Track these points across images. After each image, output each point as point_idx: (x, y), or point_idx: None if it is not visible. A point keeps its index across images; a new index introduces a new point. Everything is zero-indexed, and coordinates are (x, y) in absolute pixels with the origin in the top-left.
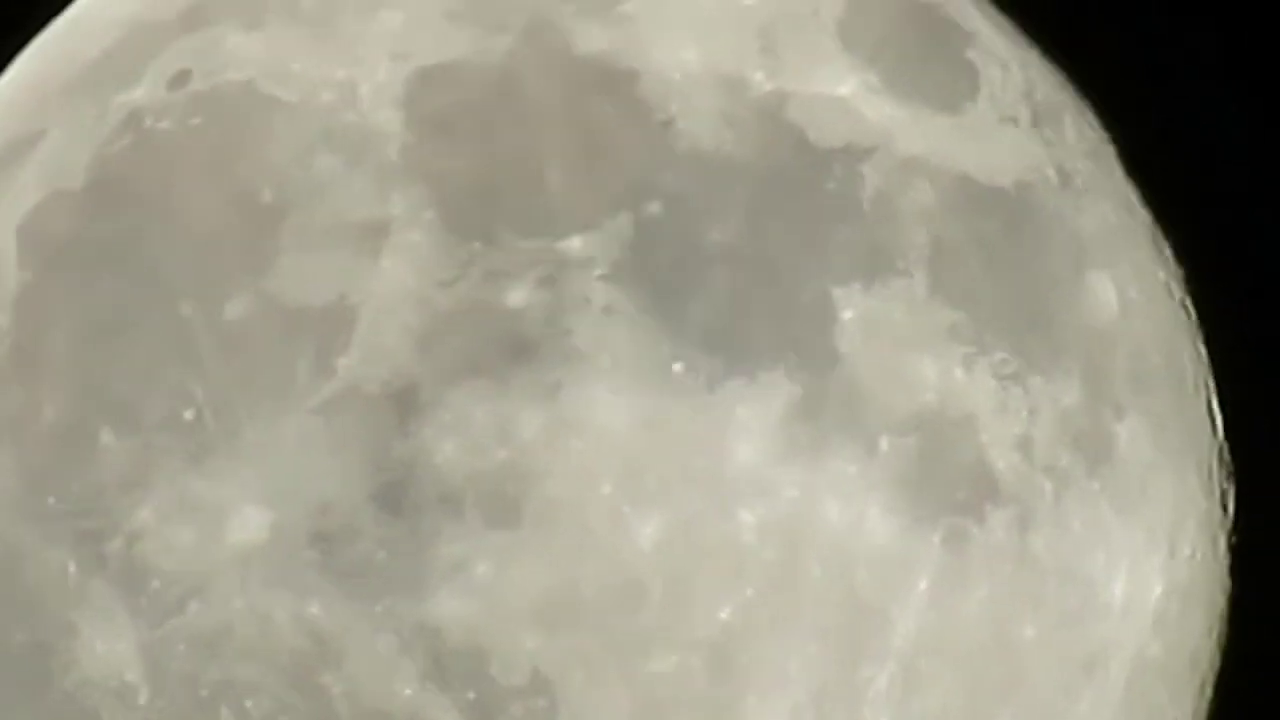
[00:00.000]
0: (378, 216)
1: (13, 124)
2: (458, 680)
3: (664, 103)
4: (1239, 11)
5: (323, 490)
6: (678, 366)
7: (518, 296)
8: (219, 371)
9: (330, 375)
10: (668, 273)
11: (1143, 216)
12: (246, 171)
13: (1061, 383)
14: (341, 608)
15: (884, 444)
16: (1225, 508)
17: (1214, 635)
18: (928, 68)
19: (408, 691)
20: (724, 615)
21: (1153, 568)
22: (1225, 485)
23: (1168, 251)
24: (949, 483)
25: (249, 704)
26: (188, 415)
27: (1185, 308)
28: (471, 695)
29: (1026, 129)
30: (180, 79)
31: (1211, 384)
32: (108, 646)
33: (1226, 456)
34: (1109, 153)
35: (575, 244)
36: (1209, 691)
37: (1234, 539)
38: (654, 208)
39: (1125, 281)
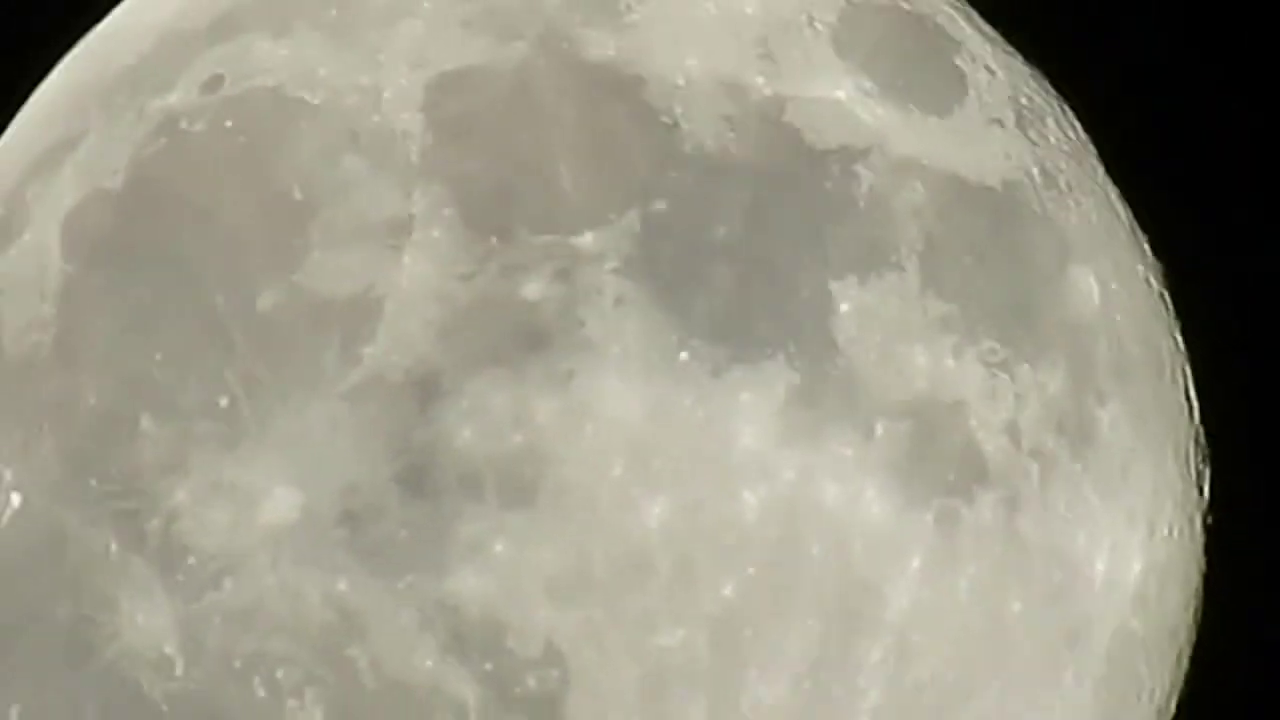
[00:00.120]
0: (400, 214)
1: (55, 127)
2: (476, 652)
3: (669, 106)
4: (1216, 19)
5: (349, 473)
6: (684, 355)
7: (533, 289)
8: (252, 360)
9: (356, 364)
10: (674, 267)
11: (1122, 214)
12: (276, 171)
13: (1047, 371)
14: (367, 584)
15: (879, 429)
16: (1201, 489)
17: (1190, 610)
18: (919, 73)
19: (429, 663)
20: (727, 591)
21: (1133, 546)
22: (1201, 468)
23: (1146, 247)
24: (940, 466)
25: (280, 674)
26: (222, 402)
27: (1163, 300)
28: (489, 667)
29: (1012, 131)
30: (213, 84)
31: (1188, 372)
32: (147, 620)
33: (1202, 441)
34: (1090, 153)
35: (587, 239)
36: (1186, 663)
37: (1209, 519)
38: (661, 205)
39: (1106, 275)
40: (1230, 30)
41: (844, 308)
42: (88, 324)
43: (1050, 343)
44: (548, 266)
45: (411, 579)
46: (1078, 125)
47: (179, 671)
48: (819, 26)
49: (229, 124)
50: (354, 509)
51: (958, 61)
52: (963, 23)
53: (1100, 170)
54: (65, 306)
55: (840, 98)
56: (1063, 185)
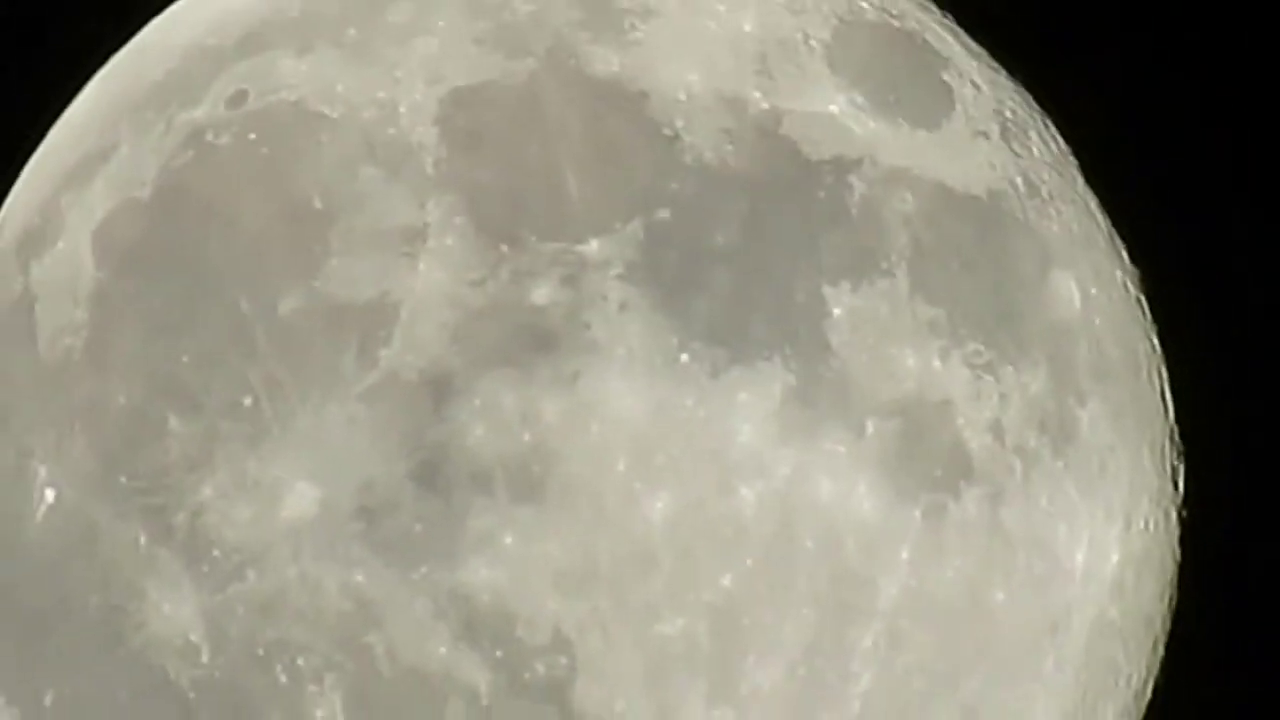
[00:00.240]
0: (415, 222)
1: (87, 140)
2: (487, 640)
3: (671, 120)
4: (1191, 39)
5: (366, 469)
6: (685, 357)
7: (541, 294)
8: (274, 362)
9: (373, 365)
10: (676, 272)
11: (1102, 222)
12: (297, 182)
13: (1029, 372)
14: (383, 575)
15: (870, 427)
16: (1176, 484)
17: (1166, 599)
18: (908, 88)
19: (442, 650)
20: (726, 582)
21: (1111, 539)
22: (1176, 464)
23: (1124, 253)
24: (928, 462)
25: (300, 662)
26: (246, 402)
27: (1140, 304)
28: (499, 654)
29: (997, 143)
30: (237, 99)
31: (1164, 373)
32: (173, 610)
33: (1177, 438)
34: (1071, 164)
35: (593, 247)
36: (1161, 650)
37: (1183, 513)
38: (663, 214)
39: (1086, 280)
40: (1204, 48)
41: (837, 312)
42: (118, 328)
43: (1033, 345)
44: (555, 272)
45: (425, 570)
46: (1059, 138)
47: (204, 658)
48: (813, 44)
49: (252, 137)
50: (371, 504)
51: (945, 77)
52: (950, 40)
53: (1080, 180)
54: (97, 311)
55: (833, 111)
56: (1045, 195)
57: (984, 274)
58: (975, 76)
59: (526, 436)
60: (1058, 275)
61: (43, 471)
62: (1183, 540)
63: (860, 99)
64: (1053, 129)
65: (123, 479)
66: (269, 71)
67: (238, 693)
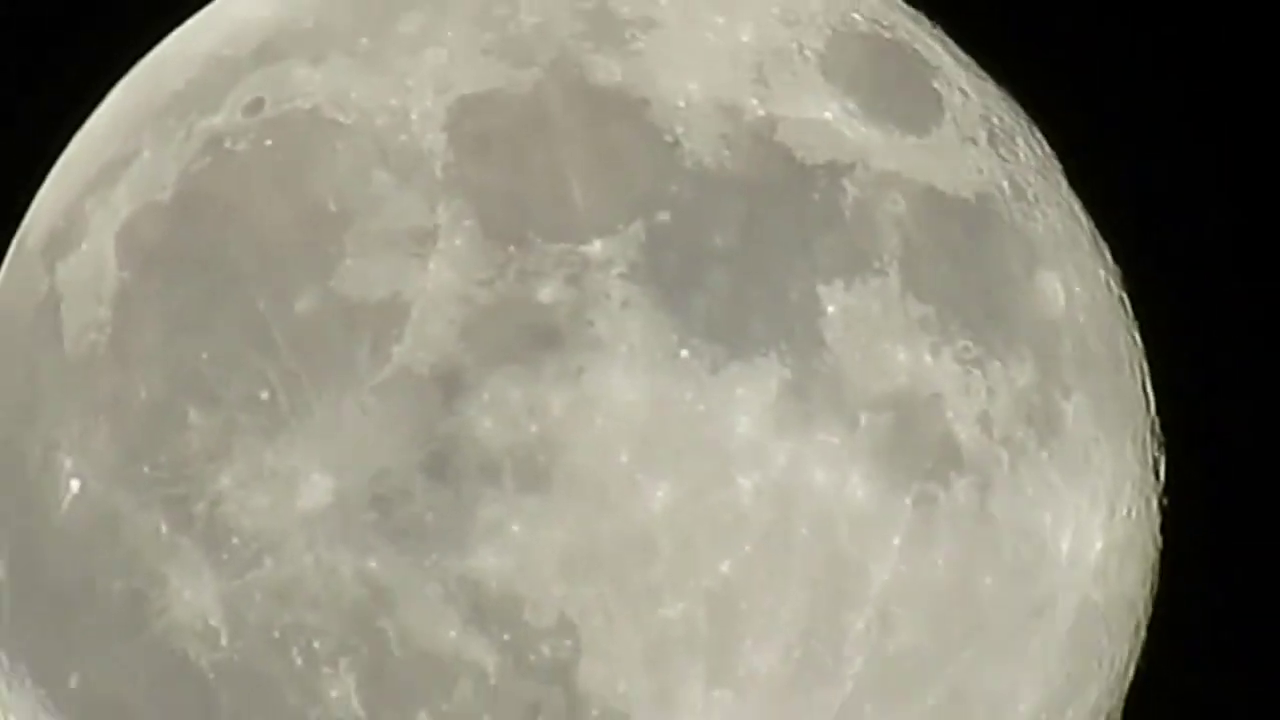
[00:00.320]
0: (426, 225)
1: (110, 146)
2: (495, 624)
3: (671, 126)
4: (1171, 48)
5: (379, 460)
6: (685, 353)
7: (547, 293)
8: (290, 358)
9: (386, 361)
10: (676, 272)
11: (1085, 223)
12: (312, 186)
13: (1016, 367)
14: (395, 562)
15: (863, 420)
16: (1157, 474)
17: (1147, 584)
18: (899, 95)
19: (452, 634)
20: (724, 568)
21: (1094, 526)
22: (1157, 454)
23: (1107, 253)
24: (919, 453)
25: (316, 645)
26: (263, 396)
27: (1122, 302)
28: (507, 637)
29: (984, 148)
30: (254, 106)
31: (1145, 367)
32: (194, 595)
33: (1158, 430)
34: (1056, 168)
35: (596, 247)
36: (1143, 633)
37: (1164, 501)
38: (663, 216)
39: (1070, 279)
40: (1182, 59)
41: (831, 309)
42: (141, 325)
43: (1019, 341)
44: (560, 272)
45: (436, 557)
46: (1044, 143)
47: (223, 642)
48: (808, 54)
49: (269, 143)
50: (383, 493)
51: (935, 85)
52: (939, 49)
53: (1064, 184)
54: (120, 309)
55: (827, 118)
56: (1030, 197)
57: (972, 273)
58: (963, 85)
59: (533, 429)
60: (1043, 274)
61: (68, 463)
62: (1163, 527)
63: (853, 106)
64: (1038, 135)
65: (145, 469)
66: (285, 80)
67: (256, 675)
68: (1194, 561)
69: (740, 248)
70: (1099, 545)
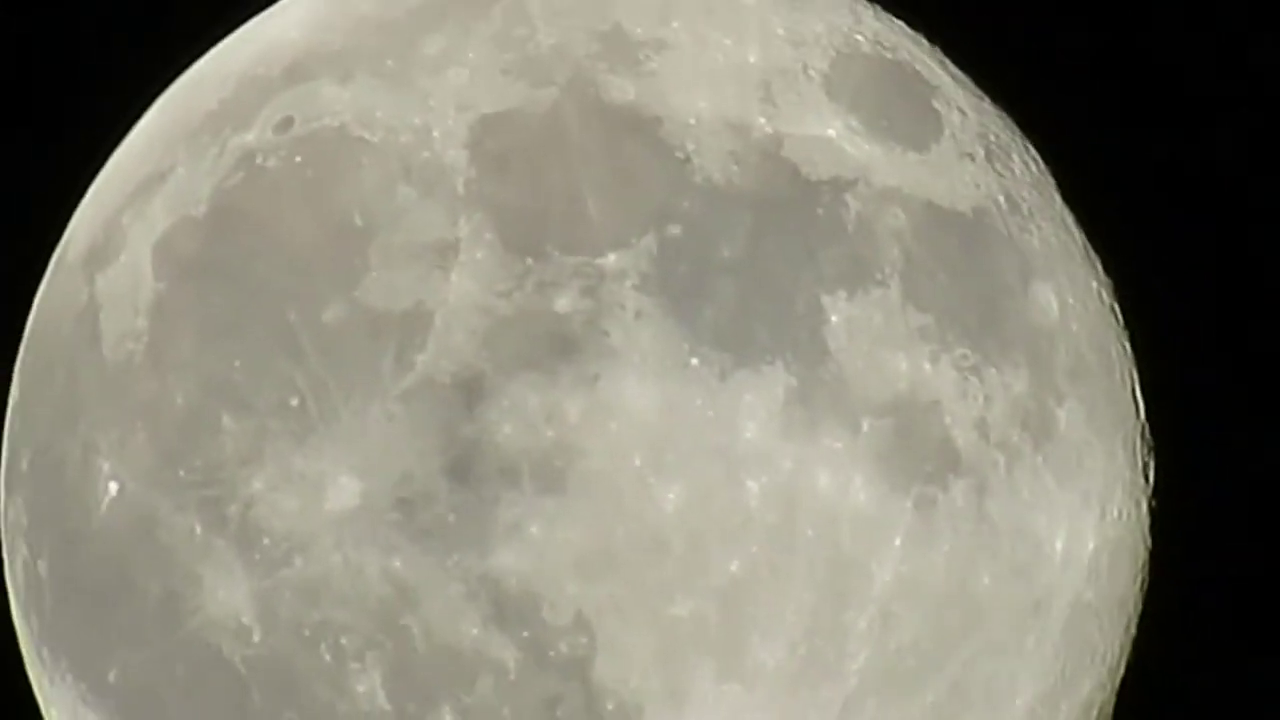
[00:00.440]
0: (448, 238)
1: (147, 162)
2: (514, 621)
3: (682, 143)
4: (1160, 66)
5: (404, 464)
6: (695, 361)
7: (564, 303)
8: (318, 366)
9: (410, 369)
10: (686, 283)
11: (1078, 236)
12: (339, 201)
13: (1011, 374)
14: (419, 562)
15: (865, 425)
16: (1147, 477)
17: (1138, 582)
18: (900, 113)
19: (474, 631)
20: (733, 568)
21: (1087, 527)
22: (1146, 458)
23: (1098, 265)
24: (919, 457)
25: (344, 641)
26: (293, 402)
27: (1113, 312)
28: (526, 634)
29: (981, 164)
30: (284, 124)
31: (1135, 375)
32: (227, 594)
33: (1147, 434)
34: (1050, 184)
35: (611, 260)
36: (1134, 629)
37: (1153, 503)
38: (675, 229)
39: (1064, 290)
40: (1172, 79)
41: (834, 319)
42: (176, 334)
43: (1015, 349)
44: (576, 283)
45: (458, 557)
46: (1039, 159)
47: (256, 639)
48: (812, 73)
49: (298, 159)
50: (408, 496)
51: (934, 103)
52: (938, 69)
53: (1058, 199)
54: (156, 319)
55: (831, 135)
56: (1025, 211)
57: (970, 284)
58: (961, 103)
59: (550, 434)
60: (1037, 285)
61: (107, 466)
62: (1153, 528)
63: (856, 124)
64: (1033, 151)
65: (180, 473)
66: (313, 99)
67: (286, 670)
68: (1182, 561)
69: (748, 260)
70: (1091, 545)
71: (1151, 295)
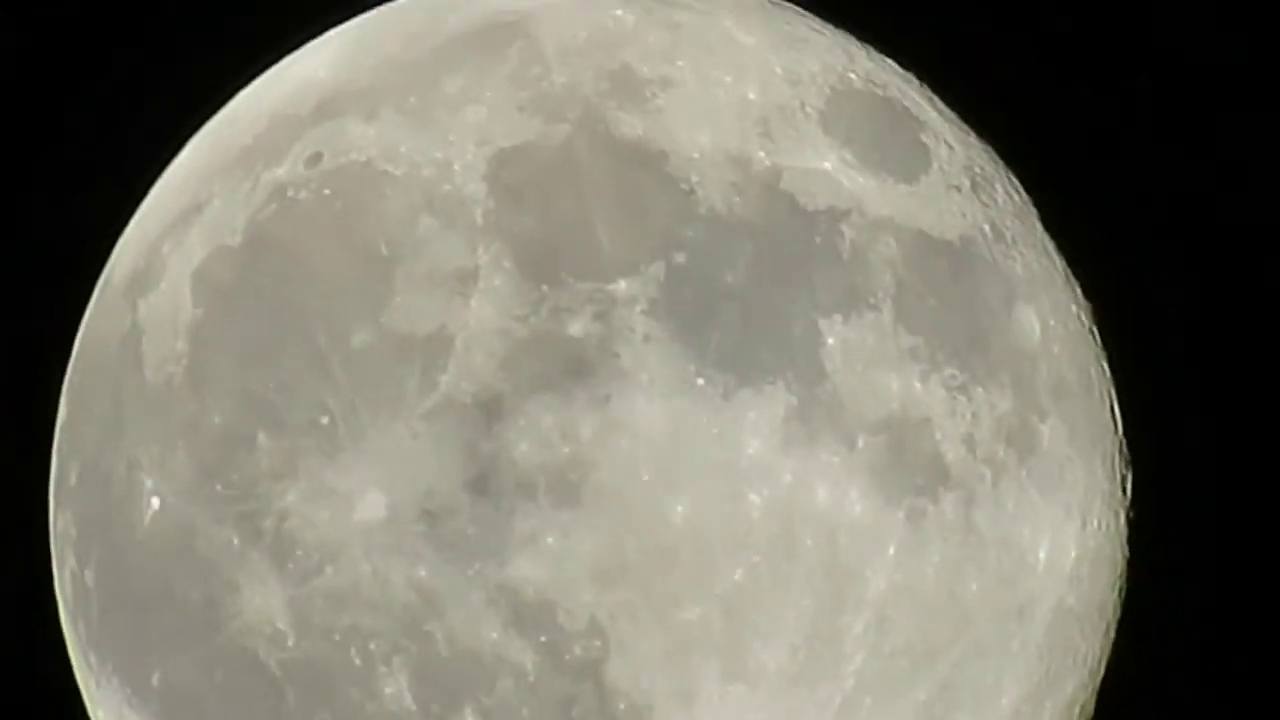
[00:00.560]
0: (468, 266)
1: (185, 195)
2: (532, 626)
3: (687, 175)
4: (1133, 102)
5: (427, 479)
6: (700, 381)
7: (577, 327)
8: (347, 387)
9: (433, 389)
10: (692, 308)
11: (1058, 263)
12: (366, 231)
13: (997, 392)
14: (442, 571)
15: (860, 441)
16: (1124, 490)
17: (1116, 589)
18: (891, 147)
19: (494, 635)
20: (737, 575)
21: (1069, 537)
22: (1124, 472)
23: (1078, 290)
24: (910, 471)
25: (372, 645)
26: (324, 421)
27: (1092, 334)
28: (543, 638)
29: (968, 195)
30: (314, 159)
31: (1113, 393)
32: (263, 601)
33: (1125, 450)
34: (1032, 213)
35: (621, 286)
36: (1113, 633)
37: (1131, 514)
38: (680, 257)
39: (1045, 313)
40: (1145, 112)
41: (831, 341)
42: (213, 357)
43: (1000, 369)
44: (589, 309)
45: (479, 566)
46: (1021, 190)
47: (290, 643)
48: (809, 110)
49: (327, 192)
50: (431, 509)
51: (923, 138)
52: (927, 106)
53: (1040, 227)
54: (195, 342)
55: (827, 168)
56: (1009, 239)
57: (957, 308)
58: (948, 138)
59: (565, 450)
60: (1021, 309)
61: (149, 482)
62: (1130, 538)
63: (850, 157)
64: (1015, 182)
65: (218, 488)
66: (341, 135)
67: (318, 672)
68: (1157, 569)
69: (749, 285)
70: (1073, 554)
71: (1128, 318)
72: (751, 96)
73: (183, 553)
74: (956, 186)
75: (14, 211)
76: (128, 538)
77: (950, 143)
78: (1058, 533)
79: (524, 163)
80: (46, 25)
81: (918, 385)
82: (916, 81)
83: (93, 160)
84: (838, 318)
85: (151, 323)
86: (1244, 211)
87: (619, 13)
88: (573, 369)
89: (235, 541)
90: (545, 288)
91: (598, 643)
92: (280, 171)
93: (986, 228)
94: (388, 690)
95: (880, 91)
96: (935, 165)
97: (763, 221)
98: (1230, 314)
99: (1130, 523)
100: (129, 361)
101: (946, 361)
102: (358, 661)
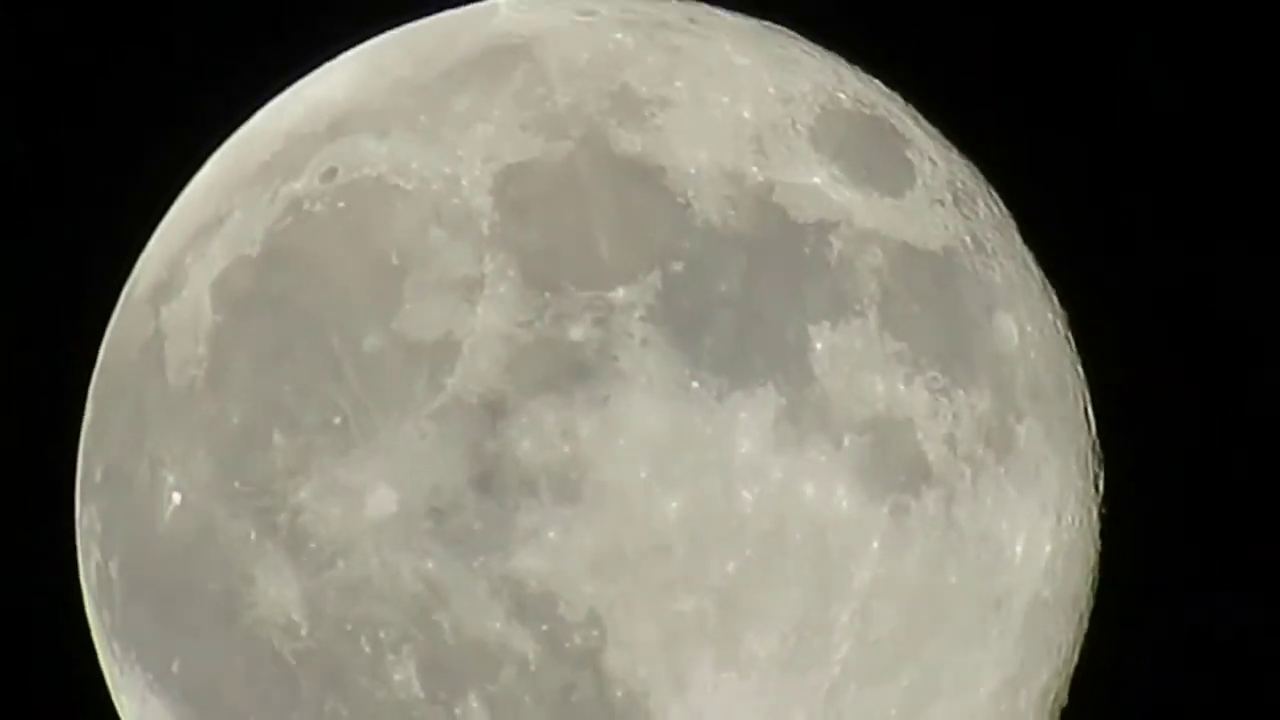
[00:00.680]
0: (474, 274)
1: (206, 208)
2: (534, 617)
3: (684, 189)
4: (1110, 120)
5: (435, 476)
6: (695, 384)
7: (578, 332)
8: (359, 388)
9: (440, 391)
10: (688, 315)
11: (1036, 273)
12: (378, 241)
13: (976, 395)
14: (449, 564)
15: (847, 441)
16: (1097, 487)
17: (1089, 582)
18: (877, 163)
19: (498, 625)
20: (730, 568)
21: (1044, 532)
22: (1097, 470)
23: (1054, 299)
24: (894, 469)
25: (382, 635)
26: (336, 421)
27: (1067, 340)
28: (545, 628)
29: (950, 208)
30: (329, 174)
31: (1087, 395)
32: (278, 593)
33: (1098, 449)
34: (1011, 226)
35: (620, 294)
36: (1086, 624)
37: (1103, 510)
38: (677, 267)
39: (1023, 320)
40: (1122, 130)
41: (819, 346)
42: (232, 361)
43: (980, 372)
44: (589, 315)
45: (483, 559)
46: (1001, 203)
47: (304, 633)
48: (800, 128)
49: (341, 205)
50: (439, 505)
51: (908, 154)
52: (911, 124)
53: (1019, 239)
54: (215, 347)
55: (816, 183)
56: (989, 250)
57: (940, 315)
58: (932, 154)
59: (566, 449)
60: (1000, 316)
61: (170, 478)
62: (1103, 533)
63: (838, 172)
64: (996, 197)
65: (236, 484)
66: (355, 152)
67: (331, 661)
68: (1128, 562)
69: (742, 293)
70: (1048, 548)
71: (1102, 325)
72: (746, 115)
73: (202, 546)
74: (940, 200)
75: (46, 227)
76: (150, 532)
77: (934, 159)
78: (1034, 528)
79: (528, 178)
80: (77, 49)
81: (901, 388)
82: (902, 101)
83: (117, 180)
84: (826, 324)
85: (173, 329)
86: (1212, 222)
87: (620, 36)
88: (573, 372)
89: (252, 535)
90: (548, 295)
91: (596, 632)
92: (297, 186)
93: (968, 239)
94: (396, 677)
95: (868, 110)
96: (919, 180)
97: (755, 233)
98: (1198, 321)
99: (1103, 518)
100: (152, 365)
101: (929, 365)
102: (368, 650)
